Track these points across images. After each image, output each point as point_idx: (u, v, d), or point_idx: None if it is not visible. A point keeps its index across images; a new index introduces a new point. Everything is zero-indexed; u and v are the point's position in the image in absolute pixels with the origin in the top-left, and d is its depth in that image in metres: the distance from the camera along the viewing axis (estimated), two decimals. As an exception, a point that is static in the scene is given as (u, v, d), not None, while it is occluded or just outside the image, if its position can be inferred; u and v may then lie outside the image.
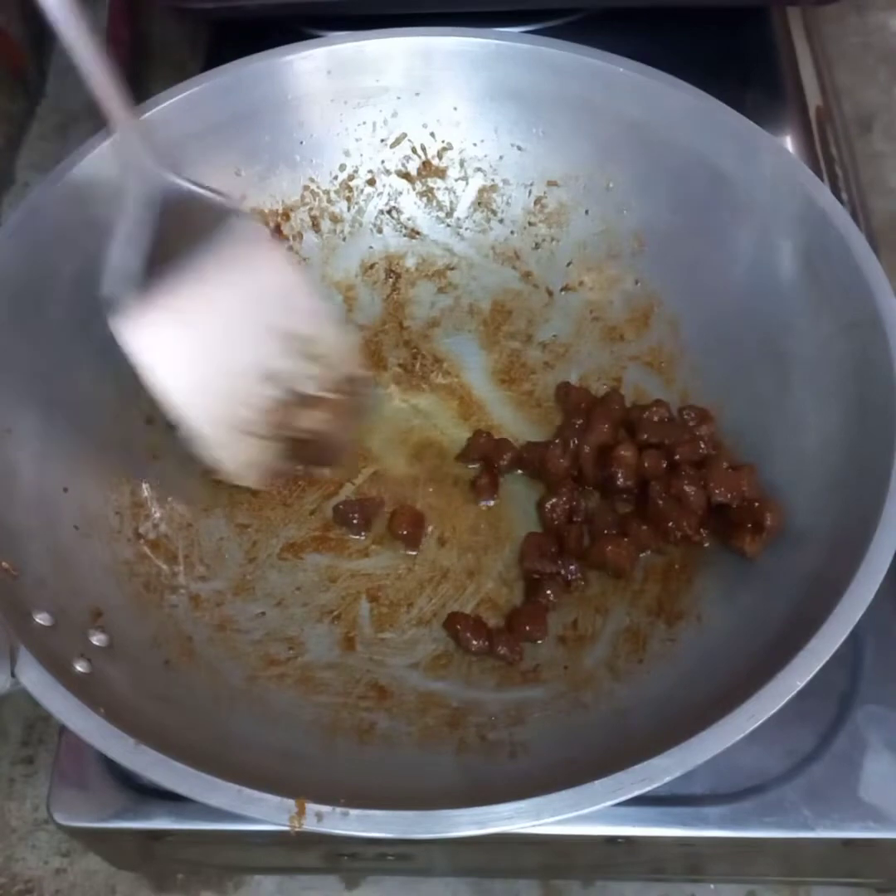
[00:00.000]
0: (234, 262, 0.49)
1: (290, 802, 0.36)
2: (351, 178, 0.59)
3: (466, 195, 0.60)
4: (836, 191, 0.62)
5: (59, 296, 0.50)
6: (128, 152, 0.46)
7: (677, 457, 0.50)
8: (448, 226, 0.60)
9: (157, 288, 0.47)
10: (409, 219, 0.60)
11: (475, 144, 0.59)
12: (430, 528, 0.52)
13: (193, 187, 0.48)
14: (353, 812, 0.37)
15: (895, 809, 0.45)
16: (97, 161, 0.51)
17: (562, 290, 0.58)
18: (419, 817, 0.37)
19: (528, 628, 0.48)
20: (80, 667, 0.41)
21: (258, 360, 0.49)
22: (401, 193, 0.60)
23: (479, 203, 0.60)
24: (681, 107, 0.53)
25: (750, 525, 0.47)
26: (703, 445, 0.50)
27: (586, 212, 0.58)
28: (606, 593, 0.49)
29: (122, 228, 0.46)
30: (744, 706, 0.37)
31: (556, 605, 0.49)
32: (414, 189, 0.60)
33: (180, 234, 0.48)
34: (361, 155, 0.59)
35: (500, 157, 0.59)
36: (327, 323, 0.51)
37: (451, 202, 0.60)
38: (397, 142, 0.59)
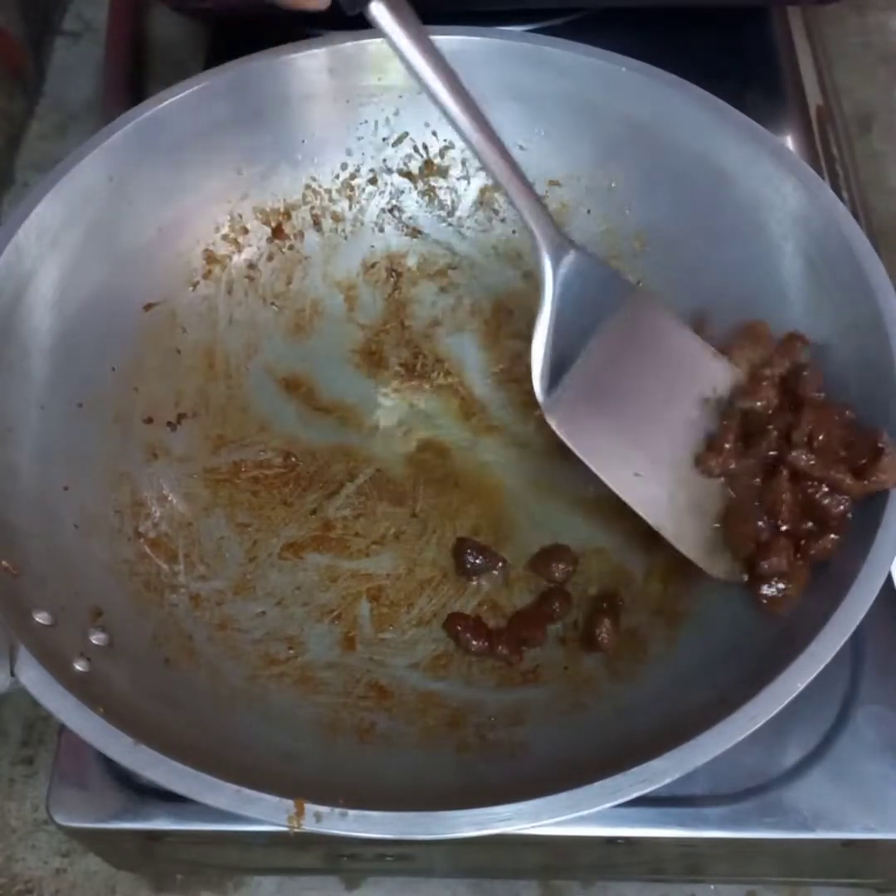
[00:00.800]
0: (641, 337, 0.50)
1: (289, 802, 0.37)
2: (352, 176, 0.59)
3: (468, 194, 0.60)
4: (836, 190, 0.62)
5: (59, 294, 0.50)
6: (549, 242, 0.47)
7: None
8: (450, 225, 0.60)
9: (578, 376, 0.48)
10: (410, 218, 0.60)
11: (477, 144, 0.59)
12: (433, 532, 0.52)
13: (598, 262, 0.49)
14: (352, 812, 0.37)
15: (895, 809, 0.45)
16: (96, 159, 0.51)
17: (563, 290, 0.58)
18: (418, 818, 0.37)
19: (526, 634, 0.48)
20: (79, 666, 0.41)
21: (681, 434, 0.49)
22: (402, 192, 0.60)
23: (481, 202, 0.59)
24: (683, 106, 0.53)
25: (864, 462, 0.44)
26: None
27: (588, 212, 0.58)
28: (607, 594, 0.49)
29: (542, 325, 0.47)
30: (744, 708, 0.37)
31: (559, 617, 0.49)
32: (416, 188, 0.60)
33: (580, 307, 0.48)
34: (363, 154, 0.59)
35: (502, 157, 0.58)
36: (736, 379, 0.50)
37: (453, 201, 0.60)
38: (399, 140, 0.59)
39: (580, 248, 0.48)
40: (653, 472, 0.47)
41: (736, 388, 0.49)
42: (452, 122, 0.44)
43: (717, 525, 0.47)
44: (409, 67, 0.43)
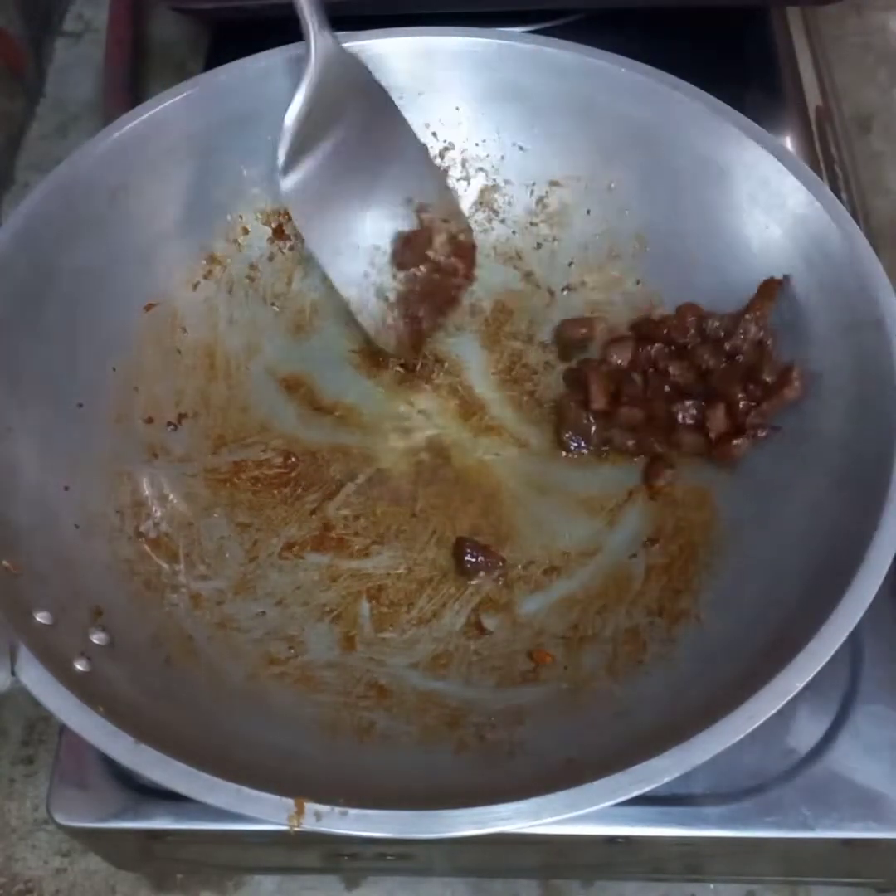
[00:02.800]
0: (374, 135, 0.54)
1: (289, 802, 0.37)
2: (352, 177, 0.59)
3: (468, 195, 0.60)
4: (835, 191, 0.62)
5: (59, 294, 0.50)
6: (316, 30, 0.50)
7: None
8: (449, 225, 0.60)
9: (310, 157, 0.53)
10: (410, 218, 0.60)
11: (477, 144, 0.59)
12: (433, 532, 0.52)
13: (357, 58, 0.53)
14: (352, 811, 0.37)
15: (895, 809, 0.45)
16: (97, 160, 0.51)
17: (563, 290, 0.58)
18: (418, 817, 0.37)
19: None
20: (80, 665, 0.41)
21: (384, 224, 0.56)
22: (402, 193, 0.60)
23: (481, 203, 0.60)
24: (682, 107, 0.53)
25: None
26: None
27: (588, 212, 0.58)
28: (607, 593, 0.49)
29: (299, 99, 0.51)
30: (743, 707, 0.37)
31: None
32: (415, 189, 0.60)
33: (330, 100, 0.52)
34: (363, 154, 0.59)
35: (502, 157, 0.58)
36: (444, 189, 0.57)
37: (453, 202, 0.60)
38: (399, 141, 0.59)
39: (338, 38, 0.51)
40: (352, 252, 0.55)
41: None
42: None
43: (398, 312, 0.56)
44: None
